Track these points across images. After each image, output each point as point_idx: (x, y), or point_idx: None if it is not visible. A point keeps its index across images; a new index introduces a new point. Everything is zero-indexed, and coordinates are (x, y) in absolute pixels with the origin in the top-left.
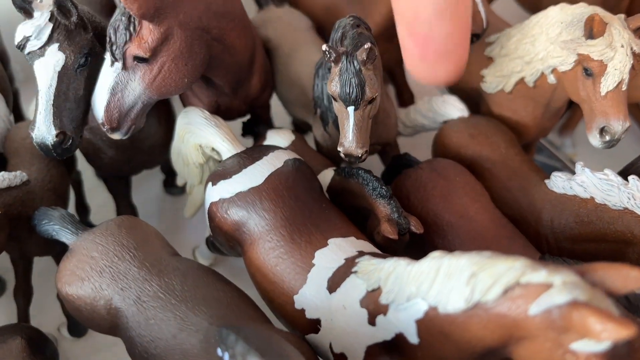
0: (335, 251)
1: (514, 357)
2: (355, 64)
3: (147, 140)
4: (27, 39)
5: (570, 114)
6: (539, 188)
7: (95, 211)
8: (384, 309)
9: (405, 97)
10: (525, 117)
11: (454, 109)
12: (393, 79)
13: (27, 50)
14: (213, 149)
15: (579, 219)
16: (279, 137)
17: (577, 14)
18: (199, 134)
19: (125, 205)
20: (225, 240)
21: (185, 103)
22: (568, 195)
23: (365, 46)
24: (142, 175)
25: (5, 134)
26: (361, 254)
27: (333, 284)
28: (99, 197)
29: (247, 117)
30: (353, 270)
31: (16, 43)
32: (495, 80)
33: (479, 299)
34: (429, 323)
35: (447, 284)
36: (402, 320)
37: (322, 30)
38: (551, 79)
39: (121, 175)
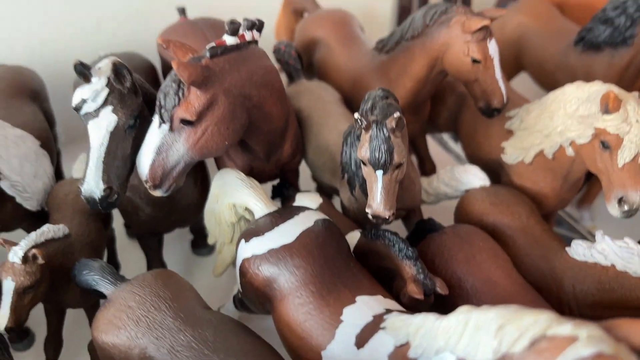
0: (363, 308)
1: None
2: (385, 132)
3: (183, 200)
4: (84, 101)
5: (587, 188)
6: (560, 256)
7: (124, 267)
8: None
9: (428, 167)
10: (544, 188)
11: (476, 178)
12: (416, 150)
13: (83, 112)
14: (246, 209)
15: (600, 286)
16: (308, 200)
17: (593, 91)
18: (234, 194)
19: (157, 262)
20: (255, 296)
21: (220, 166)
22: (589, 263)
23: (395, 115)
24: (171, 236)
25: (49, 190)
26: (389, 311)
27: (361, 340)
28: (128, 255)
29: (276, 181)
30: (381, 326)
31: (73, 105)
32: (515, 152)
33: (506, 351)
34: None
35: (476, 336)
36: None
37: (349, 103)
38: (569, 151)
39: (155, 233)
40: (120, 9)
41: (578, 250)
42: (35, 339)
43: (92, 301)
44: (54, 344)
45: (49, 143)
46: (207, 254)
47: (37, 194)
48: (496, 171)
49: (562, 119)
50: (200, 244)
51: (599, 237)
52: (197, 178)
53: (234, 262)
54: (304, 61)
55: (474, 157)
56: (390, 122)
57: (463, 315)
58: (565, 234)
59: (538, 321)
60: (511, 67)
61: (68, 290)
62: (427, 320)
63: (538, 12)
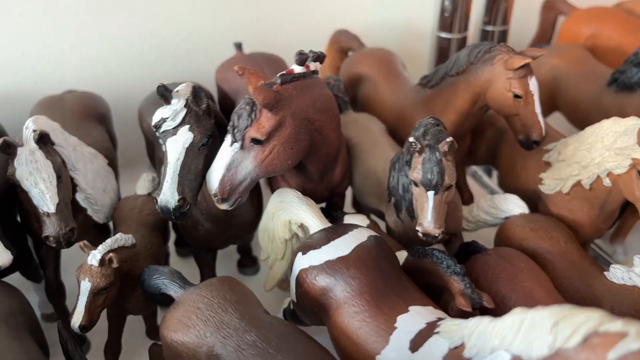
0: (416, 316)
1: None
2: (437, 155)
3: (240, 217)
4: (164, 120)
5: (620, 222)
6: (598, 279)
7: None
8: None
9: (466, 197)
10: (581, 217)
11: (516, 206)
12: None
13: (162, 130)
14: (299, 226)
15: (638, 308)
16: (356, 221)
17: (630, 125)
18: (291, 211)
19: (210, 277)
20: (310, 306)
21: (274, 187)
22: (627, 286)
23: (447, 139)
24: (220, 255)
25: (115, 205)
26: (440, 319)
27: (415, 344)
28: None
29: (323, 204)
30: (435, 331)
31: (153, 123)
32: (553, 183)
33: (560, 346)
34: None
35: (531, 334)
36: None
37: (393, 135)
38: (606, 181)
39: (210, 249)
40: (180, 43)
41: (617, 274)
42: (90, 346)
43: (152, 309)
44: (113, 348)
45: (114, 162)
46: (252, 273)
47: (106, 207)
48: (533, 201)
49: (599, 151)
50: (247, 263)
51: (637, 261)
52: (253, 197)
53: (284, 278)
54: (350, 95)
55: (511, 189)
56: (443, 146)
57: (518, 315)
58: None
59: (591, 318)
60: (545, 107)
61: (132, 296)
62: (482, 322)
63: (571, 55)
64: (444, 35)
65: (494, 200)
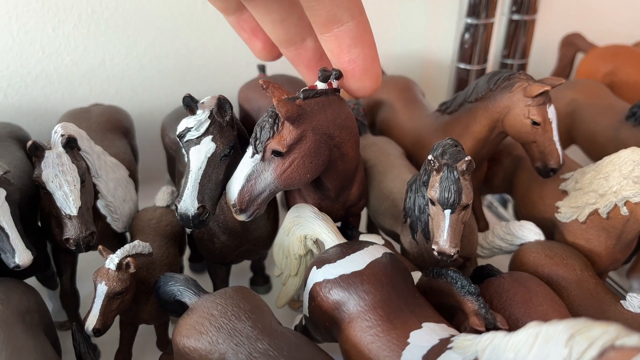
0: (429, 333)
1: None
2: (455, 174)
3: (255, 232)
4: (188, 130)
5: (637, 257)
6: (614, 308)
7: None
8: None
9: (481, 225)
10: (598, 247)
11: (531, 232)
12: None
13: (186, 139)
14: (314, 242)
15: None
16: (371, 240)
17: None
18: (307, 226)
19: None
20: (322, 319)
21: (290, 203)
22: None
23: (466, 158)
24: (233, 272)
25: (133, 215)
26: (454, 336)
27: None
28: None
29: (339, 223)
30: (449, 346)
31: (178, 132)
32: (569, 211)
33: None
34: None
35: (545, 347)
36: None
37: (410, 159)
38: (624, 210)
39: (225, 263)
40: (204, 64)
41: (633, 302)
42: (101, 355)
43: (164, 319)
44: (124, 357)
45: (135, 174)
46: (264, 292)
47: (125, 216)
48: (550, 230)
49: (617, 180)
50: (259, 282)
51: None
52: (270, 213)
53: (297, 294)
54: (368, 120)
55: (528, 217)
56: (461, 165)
57: (533, 329)
58: None
59: (607, 332)
60: (563, 140)
61: (146, 304)
62: (496, 336)
63: (590, 90)
64: (463, 66)
65: (510, 226)
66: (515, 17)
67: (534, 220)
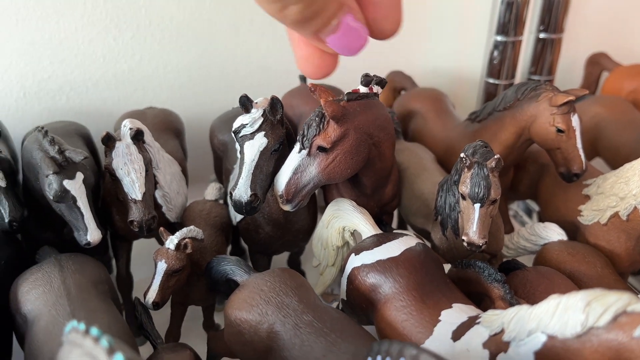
0: (459, 312)
1: None
2: (485, 170)
3: (297, 224)
4: (243, 126)
5: None
6: None
7: None
8: (505, 347)
9: (507, 229)
10: (618, 248)
11: (555, 233)
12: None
13: (241, 134)
14: (352, 234)
15: None
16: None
17: None
18: (346, 218)
19: None
20: (359, 302)
21: (328, 199)
22: None
23: (495, 157)
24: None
25: (185, 207)
26: (481, 314)
27: (457, 334)
28: None
29: None
30: (477, 322)
31: (234, 128)
32: (591, 214)
33: (592, 324)
34: (547, 352)
35: (565, 314)
36: (522, 354)
37: (442, 165)
38: None
39: (267, 253)
40: (249, 73)
41: None
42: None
43: (213, 301)
44: (173, 335)
45: (185, 171)
46: None
47: (178, 207)
48: (572, 233)
49: (637, 183)
50: None
51: None
52: (310, 207)
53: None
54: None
55: (552, 220)
56: (490, 162)
57: (554, 300)
58: None
59: (621, 299)
60: (587, 153)
61: (197, 285)
62: (521, 309)
63: (613, 105)
64: (491, 81)
65: (534, 227)
66: (543, 35)
67: (558, 223)
